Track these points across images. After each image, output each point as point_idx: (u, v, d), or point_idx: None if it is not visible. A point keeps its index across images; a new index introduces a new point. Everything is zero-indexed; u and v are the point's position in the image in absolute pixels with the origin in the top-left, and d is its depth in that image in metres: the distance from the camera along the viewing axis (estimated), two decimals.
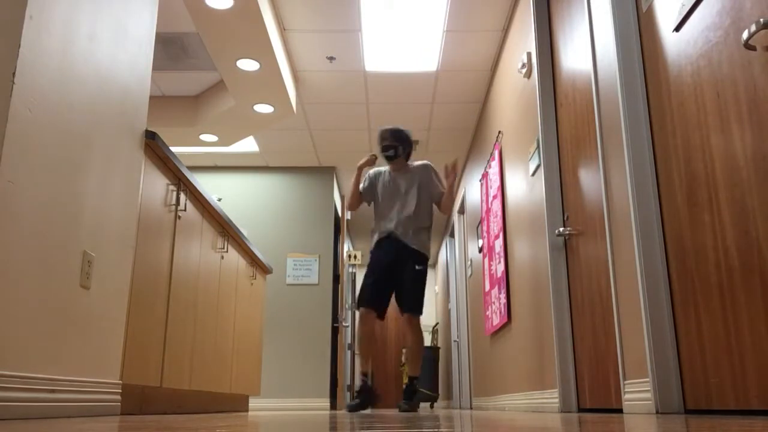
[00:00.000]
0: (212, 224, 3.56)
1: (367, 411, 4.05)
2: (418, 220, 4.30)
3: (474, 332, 6.57)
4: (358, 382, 4.16)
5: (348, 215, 9.15)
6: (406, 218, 4.27)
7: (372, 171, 4.53)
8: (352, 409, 4.03)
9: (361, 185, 4.47)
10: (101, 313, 2.23)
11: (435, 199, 4.39)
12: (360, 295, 4.26)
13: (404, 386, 4.20)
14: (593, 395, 2.88)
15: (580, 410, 3.06)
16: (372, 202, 4.51)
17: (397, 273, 4.23)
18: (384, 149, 4.40)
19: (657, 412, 2.07)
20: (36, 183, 1.82)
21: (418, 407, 4.09)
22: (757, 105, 1.62)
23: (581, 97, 3.00)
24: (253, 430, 1.24)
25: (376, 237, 4.35)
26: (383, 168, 4.56)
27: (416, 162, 4.48)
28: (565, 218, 3.31)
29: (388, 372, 12.02)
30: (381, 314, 4.21)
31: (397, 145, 4.37)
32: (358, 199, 4.44)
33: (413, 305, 4.16)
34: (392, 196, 4.37)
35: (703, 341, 1.93)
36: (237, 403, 4.30)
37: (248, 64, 4.81)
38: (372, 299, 4.19)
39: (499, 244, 4.81)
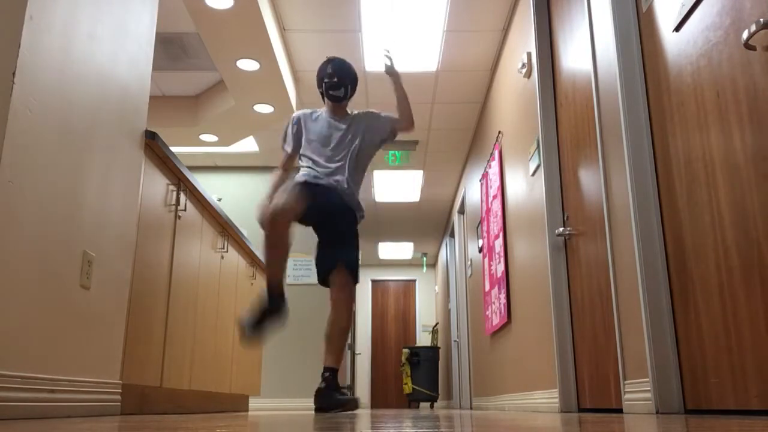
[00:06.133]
0: (212, 224, 3.56)
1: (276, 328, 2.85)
2: (353, 178, 3.28)
3: (474, 332, 6.57)
4: (262, 294, 2.98)
5: None
6: (342, 173, 3.23)
7: (299, 113, 3.44)
8: (256, 324, 2.85)
9: (288, 139, 3.40)
10: (101, 313, 2.23)
11: (394, 126, 3.37)
12: (276, 201, 2.96)
13: (323, 384, 2.94)
14: (593, 395, 2.88)
15: (580, 410, 3.06)
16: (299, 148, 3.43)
17: (329, 216, 3.19)
18: (331, 87, 3.30)
19: (657, 412, 2.07)
20: (36, 183, 1.82)
21: (342, 407, 2.89)
22: (757, 105, 1.62)
23: (581, 97, 3.00)
24: (253, 430, 1.24)
25: (301, 178, 3.21)
26: (314, 110, 3.47)
27: (357, 111, 3.49)
28: (565, 218, 3.31)
29: (388, 372, 12.02)
30: (302, 221, 3.13)
31: (347, 83, 3.33)
32: (283, 177, 3.38)
33: (348, 258, 3.14)
34: (327, 143, 3.30)
35: (703, 341, 1.93)
36: (237, 403, 4.30)
37: (248, 64, 4.81)
38: (294, 202, 2.96)
39: (499, 244, 4.81)
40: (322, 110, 3.43)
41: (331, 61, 3.35)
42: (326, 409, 2.90)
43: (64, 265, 1.98)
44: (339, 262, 3.12)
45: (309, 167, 3.28)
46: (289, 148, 3.39)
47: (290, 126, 3.40)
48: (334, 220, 3.19)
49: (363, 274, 11.74)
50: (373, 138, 3.37)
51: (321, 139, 3.32)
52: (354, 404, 2.94)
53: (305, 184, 3.16)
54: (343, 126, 3.35)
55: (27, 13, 1.76)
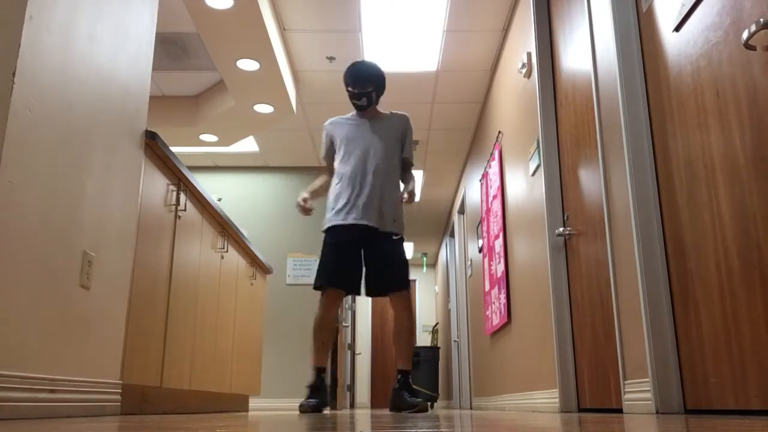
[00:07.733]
0: (212, 224, 3.56)
1: (324, 413, 3.24)
2: (393, 187, 3.38)
3: (474, 332, 6.57)
4: (310, 377, 3.31)
5: None
6: (381, 189, 3.32)
7: (328, 123, 3.56)
8: (309, 409, 3.12)
9: (322, 150, 3.58)
10: (101, 313, 2.23)
11: (402, 164, 3.50)
12: (322, 271, 3.29)
13: (397, 385, 3.30)
14: (593, 395, 2.88)
15: (580, 410, 3.06)
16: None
17: (370, 251, 3.35)
18: (353, 97, 3.40)
19: (657, 412, 2.07)
20: (36, 183, 1.82)
21: (413, 407, 3.18)
22: (757, 105, 1.62)
23: (581, 97, 3.00)
24: (253, 430, 1.24)
25: (334, 217, 3.34)
26: (346, 117, 3.56)
27: (394, 111, 3.56)
28: (565, 218, 3.31)
29: (388, 372, 12.03)
30: (355, 292, 3.37)
31: (370, 90, 3.38)
32: (327, 181, 3.58)
33: (402, 280, 3.30)
34: (363, 149, 3.39)
35: (703, 341, 1.93)
36: (237, 403, 4.30)
37: (248, 64, 4.81)
38: (341, 277, 3.28)
39: (499, 244, 4.81)
40: (352, 113, 3.54)
41: (351, 68, 3.39)
42: (399, 409, 3.24)
43: (64, 265, 1.98)
44: (395, 287, 3.32)
45: (340, 192, 3.36)
46: (323, 157, 3.59)
47: (324, 137, 3.57)
48: (373, 254, 3.34)
49: None
50: (398, 148, 3.48)
51: (351, 146, 3.41)
52: (424, 407, 3.19)
53: (336, 246, 3.30)
54: (375, 127, 3.44)
55: (27, 13, 1.76)
